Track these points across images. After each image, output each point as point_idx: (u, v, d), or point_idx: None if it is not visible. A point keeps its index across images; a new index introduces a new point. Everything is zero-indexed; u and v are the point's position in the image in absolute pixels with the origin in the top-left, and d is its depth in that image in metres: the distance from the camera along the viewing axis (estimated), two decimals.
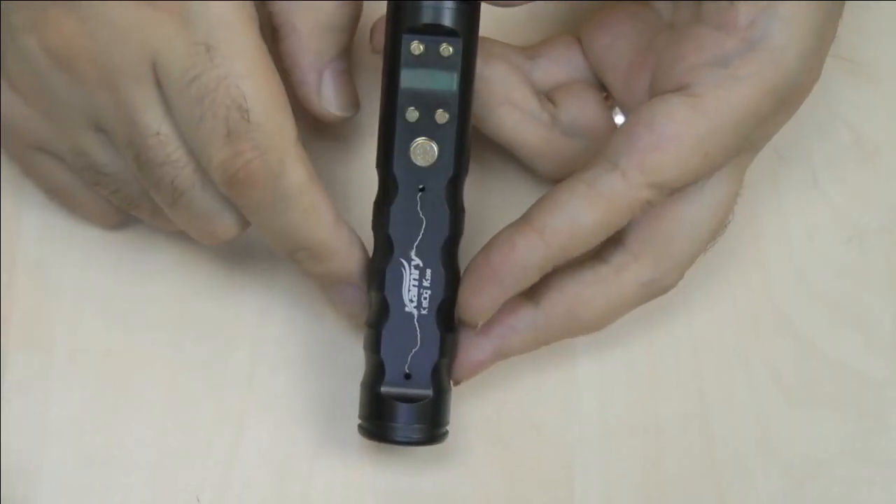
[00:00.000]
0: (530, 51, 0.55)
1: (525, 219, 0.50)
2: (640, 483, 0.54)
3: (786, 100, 0.49)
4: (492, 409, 0.55)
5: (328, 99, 0.52)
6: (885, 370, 0.56)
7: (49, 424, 0.53)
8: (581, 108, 0.54)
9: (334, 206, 0.50)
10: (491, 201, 0.56)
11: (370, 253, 0.52)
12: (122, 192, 0.51)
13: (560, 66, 0.55)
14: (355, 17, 0.52)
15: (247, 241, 0.55)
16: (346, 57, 0.52)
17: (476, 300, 0.50)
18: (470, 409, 0.53)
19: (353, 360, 0.54)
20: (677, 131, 0.48)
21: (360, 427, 0.51)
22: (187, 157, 0.48)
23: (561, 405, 0.55)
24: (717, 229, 0.52)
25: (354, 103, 0.53)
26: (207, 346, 0.55)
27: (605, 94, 0.54)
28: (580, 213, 0.49)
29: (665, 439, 0.55)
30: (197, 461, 0.54)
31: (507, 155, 0.55)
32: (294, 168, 0.48)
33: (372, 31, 0.53)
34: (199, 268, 0.55)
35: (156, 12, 0.47)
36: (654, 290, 0.52)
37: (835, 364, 0.56)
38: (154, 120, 0.48)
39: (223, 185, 0.48)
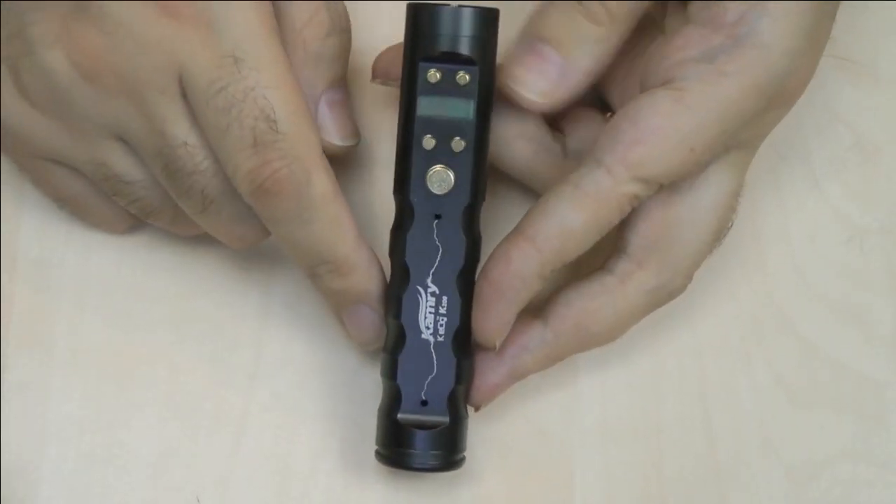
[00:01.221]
0: None
1: (517, 229, 0.50)
2: (641, 486, 0.54)
3: (773, 98, 0.49)
4: (493, 410, 0.54)
5: (325, 129, 0.51)
6: (885, 370, 0.56)
7: (49, 424, 0.53)
8: (589, 134, 0.53)
9: (356, 222, 0.50)
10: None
11: (380, 256, 0.52)
12: (142, 202, 0.51)
13: None
14: (345, 48, 0.52)
15: None
16: (342, 87, 0.52)
17: (486, 321, 0.50)
18: (471, 414, 0.53)
19: (353, 361, 0.55)
20: (660, 124, 0.48)
21: (378, 454, 0.52)
22: (216, 166, 0.49)
23: (563, 409, 0.55)
24: (720, 230, 0.52)
25: (353, 133, 0.53)
26: (208, 346, 0.55)
27: (609, 114, 0.54)
28: (569, 216, 0.49)
29: (666, 442, 0.55)
30: (197, 461, 0.53)
31: (520, 182, 0.55)
32: (320, 178, 0.49)
33: (376, 61, 0.53)
34: (200, 267, 0.55)
35: (181, 24, 0.47)
36: (662, 296, 0.52)
37: (836, 365, 0.56)
38: (181, 131, 0.48)
39: (249, 194, 0.48)
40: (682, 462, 0.55)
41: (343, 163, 0.55)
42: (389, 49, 0.53)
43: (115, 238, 0.55)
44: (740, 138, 0.50)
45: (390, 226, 0.52)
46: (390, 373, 0.51)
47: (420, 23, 0.49)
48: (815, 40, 0.49)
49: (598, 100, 0.55)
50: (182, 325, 0.55)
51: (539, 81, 0.50)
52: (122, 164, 0.50)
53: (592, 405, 0.55)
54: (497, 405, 0.54)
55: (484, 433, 0.54)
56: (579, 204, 0.49)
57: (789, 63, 0.49)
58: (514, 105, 0.51)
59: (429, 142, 0.50)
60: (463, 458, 0.52)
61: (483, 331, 0.50)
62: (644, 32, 0.53)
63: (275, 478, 0.53)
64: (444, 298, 0.51)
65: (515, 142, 0.53)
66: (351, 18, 0.52)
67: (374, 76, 0.54)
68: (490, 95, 0.51)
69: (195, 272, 0.55)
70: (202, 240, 0.54)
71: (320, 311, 0.55)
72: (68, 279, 0.55)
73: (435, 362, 0.51)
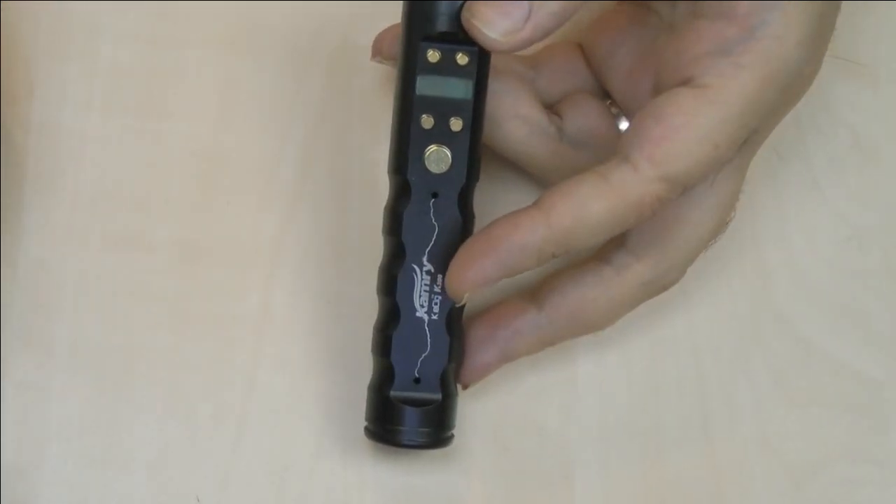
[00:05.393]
0: (533, 60, 0.55)
1: (534, 203, 0.49)
2: (640, 484, 0.54)
3: (787, 89, 0.49)
4: (492, 409, 0.55)
5: None
6: (884, 370, 0.56)
7: (49, 424, 0.53)
8: (586, 119, 0.54)
9: None
10: (498, 210, 0.56)
11: (379, 259, 0.52)
12: None
13: (563, 75, 0.55)
14: None
15: (248, 241, 0.55)
16: None
17: (466, 272, 0.49)
18: (470, 409, 0.53)
19: (353, 360, 0.55)
20: (686, 122, 0.48)
21: (367, 430, 0.52)
22: None
23: (561, 406, 0.55)
24: (718, 228, 0.52)
25: None
26: (208, 346, 0.55)
27: (609, 101, 0.54)
28: (589, 201, 0.48)
29: (665, 440, 0.55)
30: (196, 461, 0.54)
31: (513, 164, 0.55)
32: None
33: (376, 39, 0.53)
34: (200, 268, 0.55)
35: None
36: (656, 288, 0.52)
37: (835, 364, 0.56)
38: None
39: None
40: (681, 462, 0.55)
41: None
42: (390, 28, 0.53)
43: (114, 238, 0.55)
44: (756, 131, 0.50)
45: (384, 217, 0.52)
46: (383, 350, 0.51)
47: (420, 3, 0.49)
48: (823, 28, 0.50)
49: (597, 87, 0.55)
50: (181, 326, 0.55)
51: (502, 21, 0.48)
52: None
53: (591, 405, 0.55)
54: (496, 404, 0.54)
55: (483, 432, 0.54)
56: (602, 192, 0.48)
57: (802, 52, 0.49)
58: (506, 84, 0.51)
59: (427, 121, 0.50)
60: (452, 436, 0.52)
61: (457, 280, 0.49)
62: (646, 27, 0.53)
63: (274, 478, 0.54)
64: (440, 277, 0.50)
65: (508, 122, 0.53)
66: (350, 17, 0.52)
67: (374, 54, 0.54)
68: (487, 76, 0.51)
69: (194, 273, 0.55)
70: (202, 240, 0.54)
71: (319, 311, 0.55)
72: (68, 279, 0.55)
73: (429, 340, 0.51)
